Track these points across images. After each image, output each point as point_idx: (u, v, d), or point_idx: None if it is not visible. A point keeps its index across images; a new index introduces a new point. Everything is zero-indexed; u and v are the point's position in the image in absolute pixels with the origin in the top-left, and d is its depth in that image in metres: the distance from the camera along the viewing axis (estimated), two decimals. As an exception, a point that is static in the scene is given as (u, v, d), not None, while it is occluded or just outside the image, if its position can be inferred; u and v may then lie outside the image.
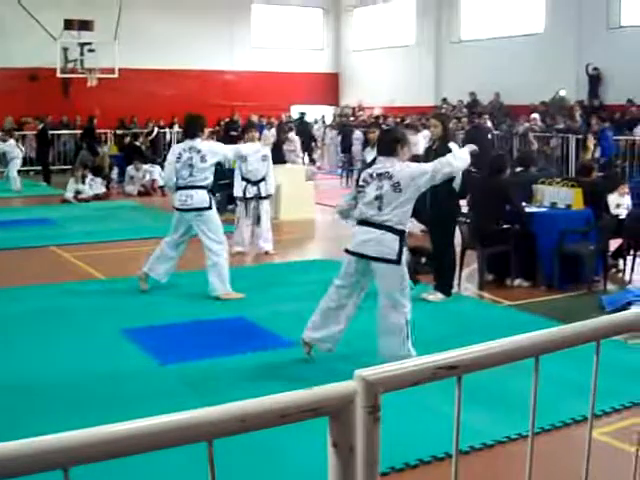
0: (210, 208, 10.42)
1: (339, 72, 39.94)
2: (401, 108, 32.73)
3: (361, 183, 7.51)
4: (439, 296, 10.15)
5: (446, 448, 5.59)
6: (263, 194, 13.69)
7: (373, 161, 8.45)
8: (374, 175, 7.41)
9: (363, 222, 7.42)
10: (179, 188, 10.46)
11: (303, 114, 32.88)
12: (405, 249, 7.45)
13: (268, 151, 14.04)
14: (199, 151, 10.33)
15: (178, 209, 10.46)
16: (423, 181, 7.34)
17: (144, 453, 1.52)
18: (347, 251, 7.48)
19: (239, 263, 13.07)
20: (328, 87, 39.19)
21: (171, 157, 10.59)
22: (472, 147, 8.14)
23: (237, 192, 13.81)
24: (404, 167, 7.36)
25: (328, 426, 1.72)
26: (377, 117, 31.43)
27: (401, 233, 7.31)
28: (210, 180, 10.53)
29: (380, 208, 7.29)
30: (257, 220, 13.85)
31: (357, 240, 7.39)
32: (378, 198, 7.30)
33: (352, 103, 37.60)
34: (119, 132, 30.26)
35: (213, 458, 1.61)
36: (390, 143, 7.54)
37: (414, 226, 14.74)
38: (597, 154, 21.10)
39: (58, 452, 1.42)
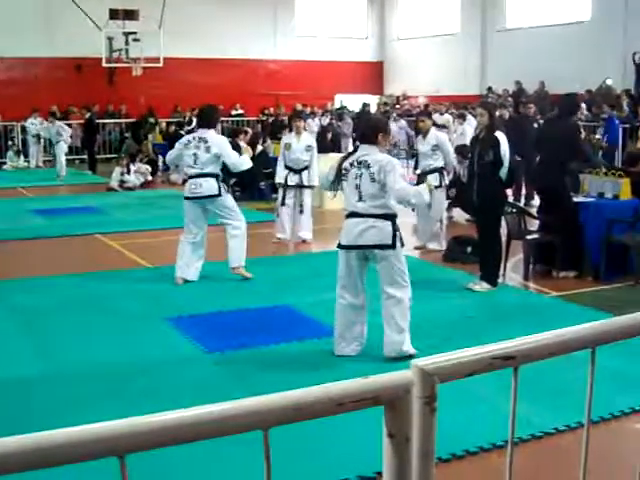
0: (220, 195, 10.62)
1: (383, 61, 39.81)
2: (446, 97, 32.56)
3: (343, 172, 7.47)
4: (485, 286, 10.09)
5: (490, 439, 5.57)
6: (305, 183, 13.69)
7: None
8: (354, 163, 7.39)
9: (352, 214, 7.40)
10: (190, 177, 10.73)
11: (365, 105, 32.85)
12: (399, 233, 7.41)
13: (312, 141, 14.06)
14: (206, 142, 10.53)
15: (188, 198, 10.62)
16: (389, 186, 7.26)
17: (199, 441, 1.51)
18: (342, 247, 7.44)
19: (280, 251, 13.11)
20: (372, 76, 39.07)
21: (181, 141, 10.99)
22: (428, 186, 8.03)
23: (278, 179, 13.84)
24: (385, 160, 7.33)
25: (384, 416, 1.70)
26: (427, 105, 31.27)
27: (392, 217, 7.30)
28: (217, 170, 10.71)
29: (361, 198, 7.28)
30: (300, 209, 13.84)
31: (352, 233, 7.34)
32: (357, 187, 7.30)
33: (396, 92, 37.48)
34: (163, 121, 30.35)
35: (269, 447, 1.60)
36: (370, 132, 7.51)
37: (459, 215, 14.70)
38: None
39: (115, 439, 1.41)
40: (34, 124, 27.53)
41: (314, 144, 13.96)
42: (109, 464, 1.48)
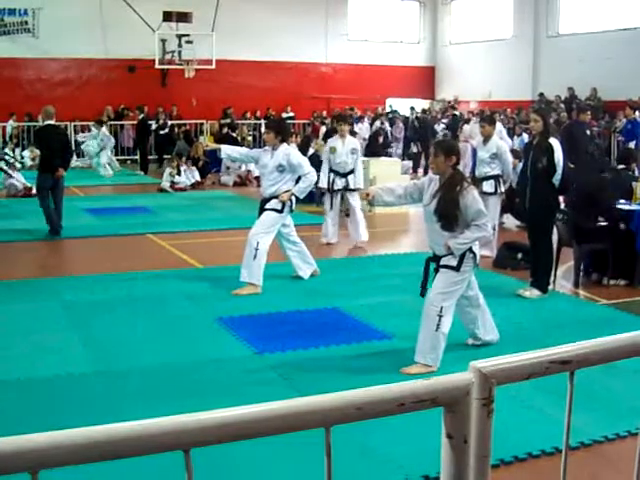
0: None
1: (435, 65, 39.71)
2: (497, 102, 32.40)
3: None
4: (535, 292, 10.04)
5: (539, 445, 5.55)
6: (352, 186, 13.72)
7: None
8: None
9: None
10: None
11: (412, 108, 32.85)
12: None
13: (357, 144, 14.09)
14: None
15: None
16: None
17: (262, 437, 1.54)
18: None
19: (328, 255, 13.14)
20: (424, 80, 38.98)
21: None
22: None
23: (321, 183, 13.84)
24: None
25: (443, 417, 1.72)
26: (482, 111, 31.12)
27: None
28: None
29: None
30: (346, 212, 13.89)
31: None
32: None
33: (448, 97, 37.37)
34: (214, 122, 30.53)
35: (330, 445, 1.63)
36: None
37: (510, 222, 14.64)
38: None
39: (181, 433, 1.45)
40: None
41: (358, 147, 13.99)
42: (172, 460, 1.52)
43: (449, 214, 7.12)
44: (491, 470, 5.05)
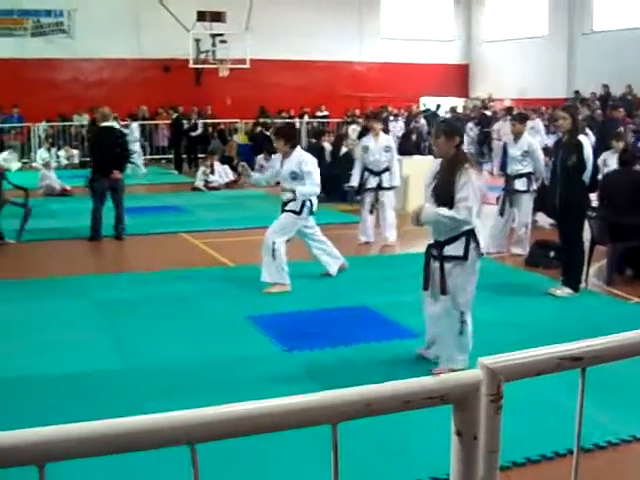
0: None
1: (469, 63, 39.59)
2: (531, 100, 32.23)
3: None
4: (567, 291, 9.98)
5: (567, 444, 5.50)
6: (386, 185, 13.71)
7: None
8: None
9: None
10: None
11: (438, 106, 32.77)
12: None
13: (391, 142, 14.05)
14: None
15: None
16: None
17: (267, 433, 1.55)
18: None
19: (363, 252, 13.16)
20: (458, 78, 38.87)
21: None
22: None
23: (352, 182, 13.87)
24: None
25: (452, 414, 1.72)
26: (511, 108, 30.97)
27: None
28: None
29: None
30: (371, 209, 13.86)
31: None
32: None
33: (482, 95, 37.23)
34: (249, 121, 30.61)
35: (337, 441, 1.64)
36: None
37: (543, 220, 14.56)
38: None
39: (184, 428, 1.46)
40: None
41: (392, 145, 13.95)
42: (175, 455, 1.54)
43: (443, 193, 6.97)
44: (502, 474, 5.02)
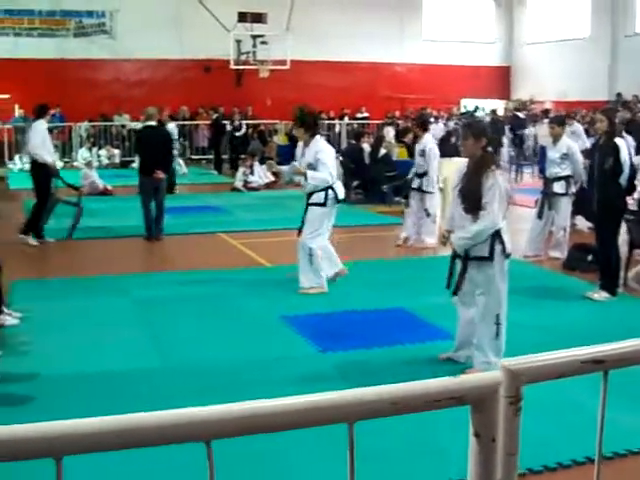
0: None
1: (511, 65, 39.40)
2: (572, 102, 32.01)
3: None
4: (604, 295, 9.89)
5: (589, 450, 5.43)
6: (423, 188, 13.75)
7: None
8: None
9: None
10: None
11: (476, 108, 32.66)
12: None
13: (426, 146, 13.99)
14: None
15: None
16: None
17: (282, 431, 1.56)
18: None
19: (401, 254, 13.16)
20: (499, 81, 38.70)
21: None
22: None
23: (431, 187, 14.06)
24: None
25: (470, 416, 1.72)
26: (547, 111, 30.84)
27: None
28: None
29: None
30: (426, 213, 13.87)
31: None
32: None
33: (523, 97, 37.03)
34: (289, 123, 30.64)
35: (354, 439, 1.64)
36: None
37: (582, 224, 14.47)
38: None
39: (200, 425, 1.48)
40: None
41: (427, 149, 13.89)
42: (192, 451, 1.55)
43: (470, 195, 6.96)
44: (533, 476, 4.95)
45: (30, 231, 13.74)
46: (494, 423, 1.72)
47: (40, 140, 13.83)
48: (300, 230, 10.39)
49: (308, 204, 10.37)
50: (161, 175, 14.34)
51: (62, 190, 14.60)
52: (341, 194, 10.48)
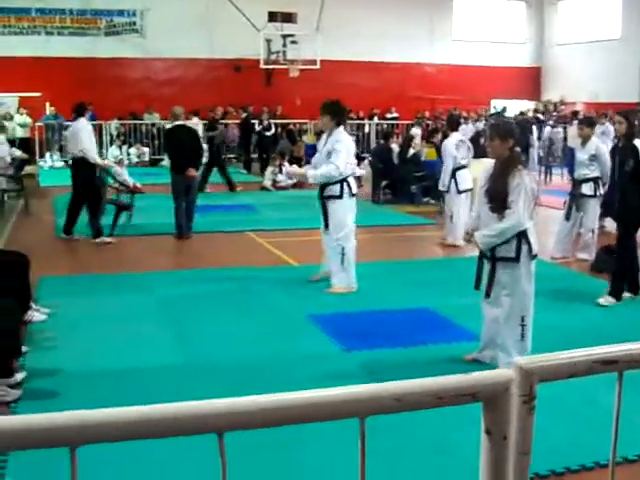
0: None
1: (541, 66, 39.23)
2: (603, 104, 31.82)
3: None
4: (609, 300, 9.73)
5: (605, 453, 5.36)
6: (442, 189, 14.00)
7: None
8: None
9: None
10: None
11: (504, 108, 32.56)
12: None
13: (445, 148, 14.08)
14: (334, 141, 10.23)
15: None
16: None
17: (293, 424, 1.58)
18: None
19: (428, 255, 13.15)
20: (530, 81, 38.53)
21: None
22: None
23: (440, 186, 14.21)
24: None
25: (482, 413, 1.73)
26: (576, 112, 30.67)
27: None
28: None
29: None
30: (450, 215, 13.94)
31: None
32: None
33: (554, 98, 36.87)
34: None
35: (365, 435, 1.65)
36: None
37: (610, 226, 14.40)
38: None
39: (212, 417, 1.49)
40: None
41: (445, 151, 14.06)
42: (205, 443, 1.57)
43: (496, 195, 6.94)
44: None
45: (99, 232, 13.88)
46: (506, 421, 1.73)
47: (90, 140, 13.95)
48: (326, 225, 10.36)
49: (323, 197, 10.29)
50: (193, 173, 14.42)
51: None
52: (354, 188, 10.38)
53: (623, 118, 9.80)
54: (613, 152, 10.24)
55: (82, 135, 13.85)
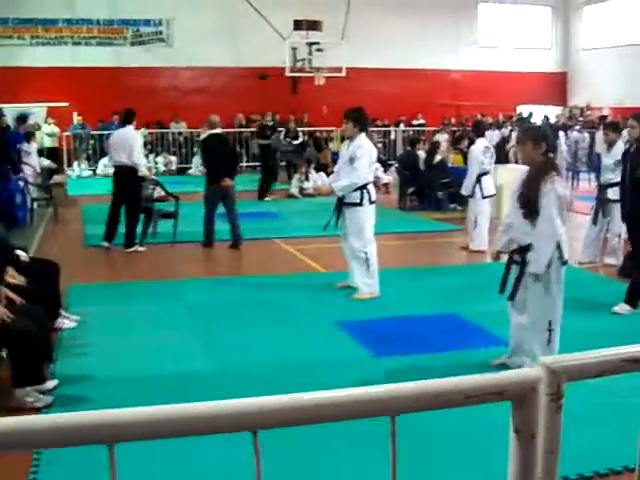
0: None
1: (567, 71, 39.08)
2: (629, 109, 31.63)
3: None
4: (625, 308, 9.62)
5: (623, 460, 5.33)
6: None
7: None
8: None
9: None
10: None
11: (530, 114, 32.47)
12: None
13: (472, 153, 14.06)
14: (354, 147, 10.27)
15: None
16: None
17: (326, 423, 1.61)
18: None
19: (456, 261, 13.15)
20: (556, 87, 38.38)
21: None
22: None
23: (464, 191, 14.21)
24: None
25: (511, 412, 1.75)
26: (605, 117, 30.54)
27: None
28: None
29: None
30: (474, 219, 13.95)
31: None
32: None
33: (580, 103, 36.71)
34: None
35: (396, 432, 1.68)
36: None
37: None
38: None
39: (247, 415, 1.54)
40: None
41: (470, 155, 14.08)
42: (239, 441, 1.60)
43: (529, 200, 6.90)
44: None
45: (133, 242, 13.94)
46: (534, 420, 1.75)
47: (140, 149, 13.96)
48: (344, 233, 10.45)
49: (343, 204, 10.38)
50: (229, 182, 14.33)
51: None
52: (373, 195, 10.40)
53: (636, 122, 9.69)
54: (624, 157, 10.12)
55: (135, 145, 13.81)
